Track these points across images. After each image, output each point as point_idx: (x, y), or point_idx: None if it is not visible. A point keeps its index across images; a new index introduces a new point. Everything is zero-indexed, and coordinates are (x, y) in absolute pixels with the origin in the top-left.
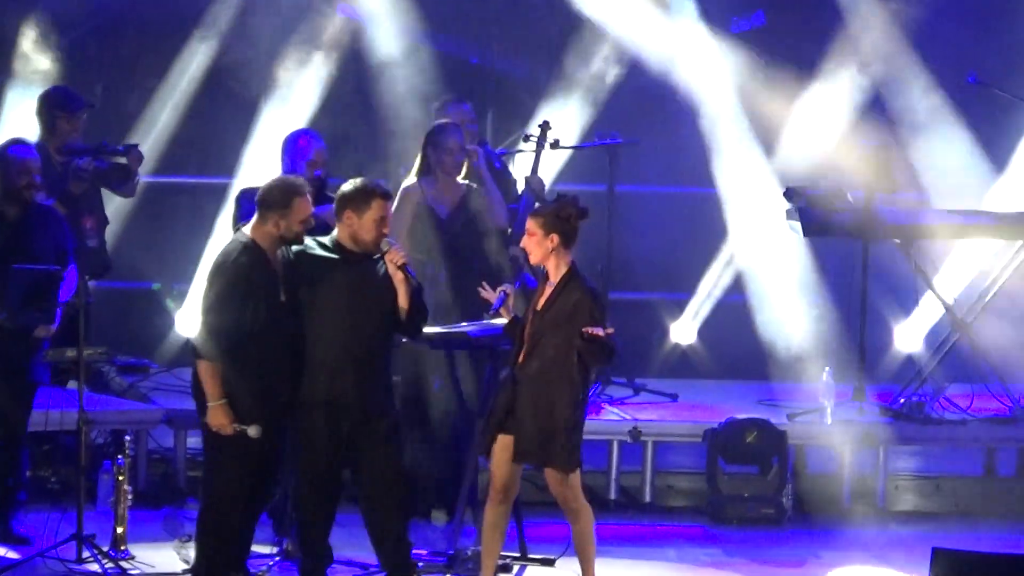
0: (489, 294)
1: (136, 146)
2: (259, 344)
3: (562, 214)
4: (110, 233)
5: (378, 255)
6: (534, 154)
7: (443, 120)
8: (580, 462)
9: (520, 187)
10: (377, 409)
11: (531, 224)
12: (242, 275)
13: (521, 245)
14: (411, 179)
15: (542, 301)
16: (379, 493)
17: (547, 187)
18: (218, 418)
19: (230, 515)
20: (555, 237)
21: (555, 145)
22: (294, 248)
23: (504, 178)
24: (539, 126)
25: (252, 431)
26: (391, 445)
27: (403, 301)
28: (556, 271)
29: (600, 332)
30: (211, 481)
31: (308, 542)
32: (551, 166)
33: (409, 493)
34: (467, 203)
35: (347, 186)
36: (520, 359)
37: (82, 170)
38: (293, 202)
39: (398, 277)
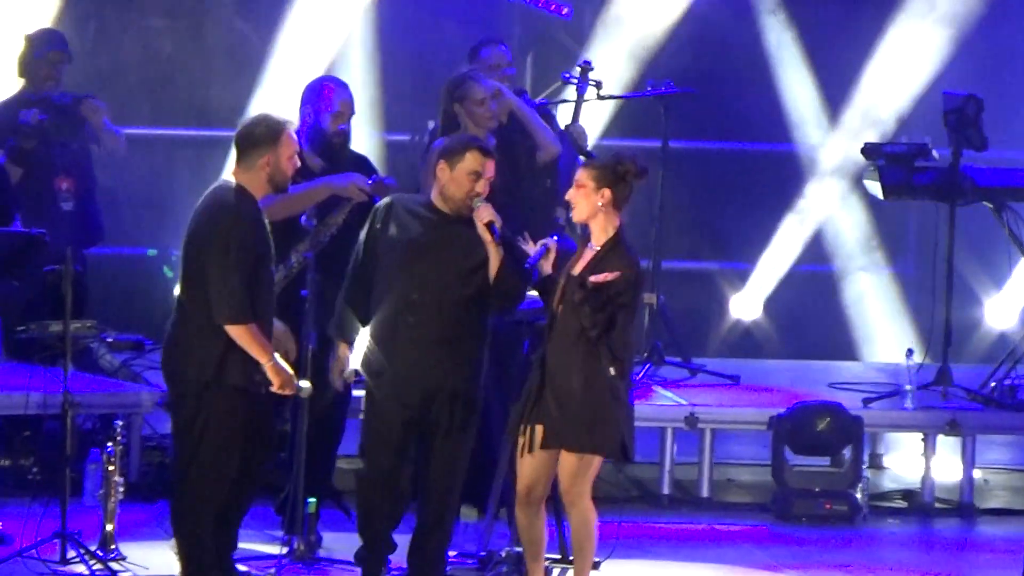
0: (529, 245)
1: (90, 96)
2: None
3: (619, 169)
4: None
5: (469, 215)
6: (575, 100)
7: (464, 70)
8: (619, 454)
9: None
10: (454, 391)
11: (583, 175)
12: (251, 228)
13: (567, 197)
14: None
15: (580, 266)
16: (435, 484)
17: (591, 141)
18: (280, 375)
19: (208, 511)
20: (607, 193)
21: (599, 87)
22: (384, 200)
23: None
24: (579, 66)
25: (304, 386)
26: (463, 435)
27: (493, 268)
28: (602, 233)
29: (610, 276)
30: (187, 473)
31: (367, 532)
32: (597, 118)
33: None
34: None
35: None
36: (552, 333)
37: (26, 125)
38: (281, 136)
39: (486, 238)
